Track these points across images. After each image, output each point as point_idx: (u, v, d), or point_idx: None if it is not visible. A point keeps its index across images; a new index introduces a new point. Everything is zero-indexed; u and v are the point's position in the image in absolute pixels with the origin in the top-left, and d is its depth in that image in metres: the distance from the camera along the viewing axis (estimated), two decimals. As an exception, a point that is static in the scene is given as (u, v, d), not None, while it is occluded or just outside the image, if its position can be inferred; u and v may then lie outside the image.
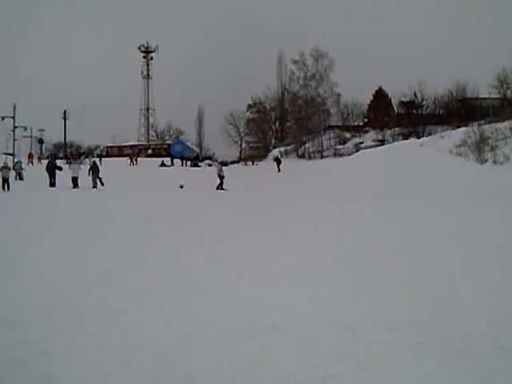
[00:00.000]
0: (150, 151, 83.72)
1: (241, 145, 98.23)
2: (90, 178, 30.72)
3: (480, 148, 42.82)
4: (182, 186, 32.71)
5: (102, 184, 30.54)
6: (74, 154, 65.93)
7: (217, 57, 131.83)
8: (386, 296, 7.73)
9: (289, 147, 76.47)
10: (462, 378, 4.93)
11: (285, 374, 5.02)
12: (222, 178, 32.36)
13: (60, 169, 32.04)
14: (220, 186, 32.03)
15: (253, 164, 71.68)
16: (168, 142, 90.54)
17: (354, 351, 5.56)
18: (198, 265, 10.18)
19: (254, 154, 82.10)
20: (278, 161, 54.74)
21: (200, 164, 67.06)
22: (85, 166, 34.67)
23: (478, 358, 5.32)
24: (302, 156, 72.00)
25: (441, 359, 5.31)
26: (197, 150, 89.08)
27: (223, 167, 34.80)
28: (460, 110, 64.28)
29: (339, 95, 79.57)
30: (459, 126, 52.59)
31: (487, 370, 5.08)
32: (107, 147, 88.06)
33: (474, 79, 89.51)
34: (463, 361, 5.26)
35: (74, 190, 29.16)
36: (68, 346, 5.73)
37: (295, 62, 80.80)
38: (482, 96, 66.59)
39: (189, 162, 65.58)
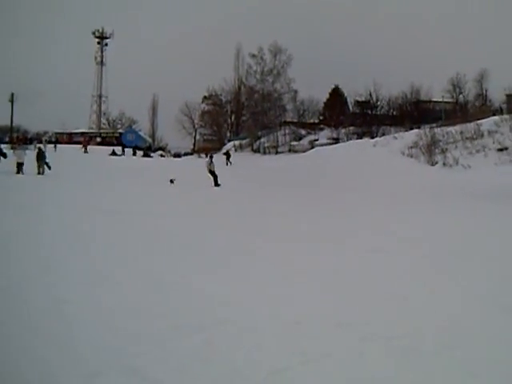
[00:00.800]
0: (98, 139, 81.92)
1: (195, 137, 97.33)
2: (37, 164, 29.55)
3: (431, 150, 43.38)
4: (172, 181, 28.81)
5: (49, 168, 29.43)
6: (20, 138, 63.84)
7: (174, 46, 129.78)
8: (334, 293, 7.62)
9: (244, 141, 75.87)
10: (403, 374, 4.95)
11: (231, 369, 4.96)
12: (214, 174, 29.31)
13: (4, 155, 30.71)
14: (215, 183, 28.95)
15: (206, 156, 70.38)
16: (120, 130, 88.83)
17: (300, 346, 5.50)
18: (138, 253, 9.94)
19: (208, 147, 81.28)
20: (227, 155, 54.81)
21: (152, 154, 65.73)
22: (31, 152, 33.47)
23: (419, 356, 5.35)
24: (257, 151, 71.59)
25: (384, 355, 5.34)
26: (149, 140, 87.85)
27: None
28: (413, 113, 65.21)
29: (296, 91, 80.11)
30: (412, 128, 53.27)
31: (428, 367, 5.11)
32: (56, 134, 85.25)
33: (428, 83, 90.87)
34: (404, 358, 5.30)
35: (18, 175, 28.03)
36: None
37: (253, 56, 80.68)
38: (435, 99, 67.66)
39: (140, 152, 64.08)
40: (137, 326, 5.90)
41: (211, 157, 31.40)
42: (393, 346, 5.58)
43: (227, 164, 52.17)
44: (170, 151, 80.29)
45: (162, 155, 68.67)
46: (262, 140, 72.76)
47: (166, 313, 6.39)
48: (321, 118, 78.71)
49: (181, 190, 25.70)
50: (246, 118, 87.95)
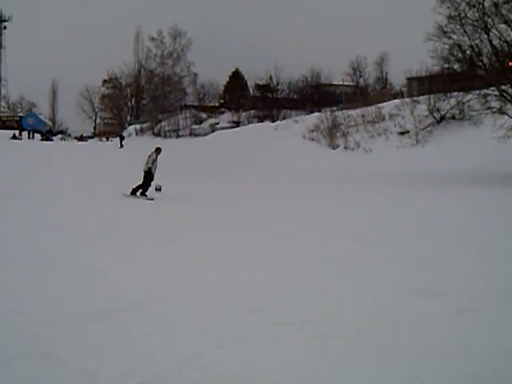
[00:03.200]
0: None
1: (95, 120, 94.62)
2: None
3: (332, 134, 42.66)
4: (159, 189, 18.67)
5: None
6: None
7: (73, 30, 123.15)
8: (245, 278, 7.60)
9: (144, 125, 72.63)
10: (317, 357, 4.88)
11: (148, 354, 4.83)
12: (149, 175, 17.71)
13: None
14: (142, 190, 17.48)
15: (107, 140, 68.75)
16: (20, 114, 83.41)
17: (215, 332, 5.44)
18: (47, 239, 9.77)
19: (109, 130, 78.35)
20: (121, 137, 55.80)
21: (53, 138, 62.46)
22: None
23: (332, 340, 5.27)
24: (158, 134, 68.45)
25: (298, 339, 5.30)
26: (50, 123, 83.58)
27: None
28: (314, 96, 64.38)
29: (196, 75, 78.94)
30: (313, 112, 52.48)
31: (341, 350, 5.05)
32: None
33: (329, 66, 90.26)
34: (318, 341, 5.23)
35: None
36: None
37: (153, 39, 79.31)
38: (335, 83, 67.11)
39: (37, 135, 61.12)
40: (49, 312, 5.82)
41: (157, 150, 18.28)
42: (306, 330, 5.53)
43: (120, 146, 52.45)
44: (70, 135, 76.84)
45: (62, 138, 65.16)
46: (163, 124, 69.77)
47: (79, 298, 6.35)
48: (221, 101, 76.76)
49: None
50: (146, 101, 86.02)
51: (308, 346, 5.11)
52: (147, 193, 17.34)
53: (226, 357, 4.85)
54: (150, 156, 17.88)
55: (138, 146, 50.57)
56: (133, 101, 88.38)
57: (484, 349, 5.03)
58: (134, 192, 17.14)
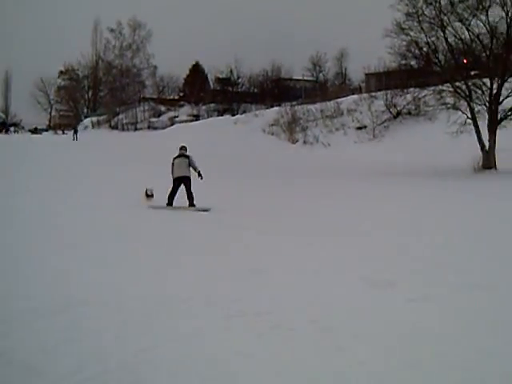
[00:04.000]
0: None
1: (50, 113, 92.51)
2: None
3: (292, 128, 42.82)
4: (149, 195, 15.30)
5: None
6: None
7: (29, 20, 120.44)
8: (198, 270, 7.64)
9: (102, 117, 71.71)
10: (272, 348, 4.91)
11: (99, 347, 4.85)
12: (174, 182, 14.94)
13: None
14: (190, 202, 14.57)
15: (63, 133, 68.21)
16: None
17: (167, 325, 5.45)
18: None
19: (65, 123, 77.07)
20: (75, 130, 55.24)
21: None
22: None
23: (286, 330, 5.33)
24: (115, 127, 67.81)
25: (252, 331, 5.31)
26: (3, 115, 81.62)
27: None
28: (274, 90, 64.44)
29: (155, 67, 78.01)
30: (272, 106, 52.52)
31: (296, 341, 5.08)
32: None
33: (289, 61, 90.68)
34: (273, 332, 5.27)
35: None
36: None
37: (112, 30, 78.10)
38: (295, 77, 67.42)
39: None
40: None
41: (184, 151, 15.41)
42: (260, 322, 5.54)
43: (74, 139, 52.26)
44: (23, 127, 75.30)
45: (15, 131, 64.00)
46: (121, 116, 69.05)
47: (28, 293, 6.30)
48: (181, 94, 76.18)
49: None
50: (103, 93, 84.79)
51: (262, 338, 5.13)
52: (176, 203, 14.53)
53: (176, 351, 4.82)
54: (187, 165, 14.82)
55: (93, 139, 50.47)
56: (90, 93, 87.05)
57: (431, 336, 5.15)
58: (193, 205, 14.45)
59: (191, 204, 14.22)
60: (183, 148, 15.28)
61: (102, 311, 5.80)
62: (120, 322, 5.50)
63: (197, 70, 74.91)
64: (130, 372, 4.41)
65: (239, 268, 7.76)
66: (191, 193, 14.30)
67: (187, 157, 14.88)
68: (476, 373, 4.41)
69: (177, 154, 15.04)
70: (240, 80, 68.31)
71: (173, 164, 14.79)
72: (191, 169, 14.70)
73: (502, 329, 5.38)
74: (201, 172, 14.70)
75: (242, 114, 55.43)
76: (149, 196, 15.07)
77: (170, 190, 14.47)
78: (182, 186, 14.36)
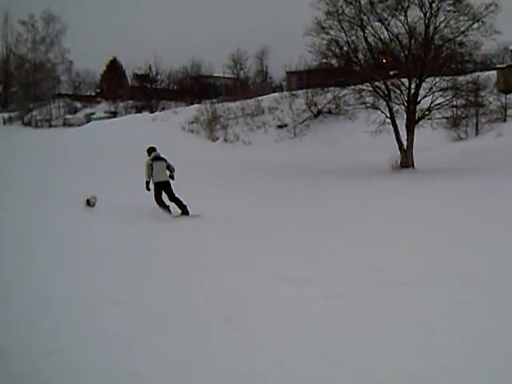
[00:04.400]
0: None
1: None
2: None
3: (212, 126, 42.24)
4: (91, 203, 13.84)
5: None
6: None
7: None
8: (108, 269, 7.61)
9: (13, 114, 68.54)
10: (186, 349, 4.88)
11: (5, 350, 4.68)
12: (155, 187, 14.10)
13: None
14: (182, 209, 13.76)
15: None
16: None
17: (77, 325, 5.34)
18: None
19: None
20: None
21: None
22: None
23: (204, 329, 5.36)
24: (29, 124, 64.92)
25: (167, 331, 5.31)
26: None
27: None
28: (194, 87, 63.66)
29: (71, 62, 74.68)
30: (192, 103, 51.77)
31: (207, 339, 5.10)
32: None
33: (210, 57, 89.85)
34: (189, 332, 5.29)
35: None
36: None
37: (23, 23, 74.04)
38: (216, 74, 66.80)
39: None
40: None
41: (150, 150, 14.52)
42: (176, 322, 5.54)
43: None
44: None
45: None
46: (34, 113, 66.26)
47: None
48: (98, 90, 74.01)
49: None
50: (15, 89, 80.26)
51: (177, 338, 5.16)
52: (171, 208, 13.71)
53: (84, 352, 4.75)
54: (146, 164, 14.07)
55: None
56: (0, 88, 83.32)
57: (344, 333, 5.21)
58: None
59: (185, 212, 13.39)
60: (154, 149, 14.41)
61: (8, 311, 5.77)
62: (28, 323, 5.43)
63: (114, 66, 72.75)
64: (36, 375, 4.27)
65: (145, 268, 7.79)
66: (178, 199, 13.54)
67: (165, 160, 14.21)
68: (388, 368, 4.47)
69: (152, 156, 14.04)
70: (159, 77, 67.17)
71: (151, 166, 13.80)
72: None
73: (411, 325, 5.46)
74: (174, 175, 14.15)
75: (161, 111, 54.29)
76: (90, 206, 13.61)
77: (153, 196, 13.59)
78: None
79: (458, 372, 4.44)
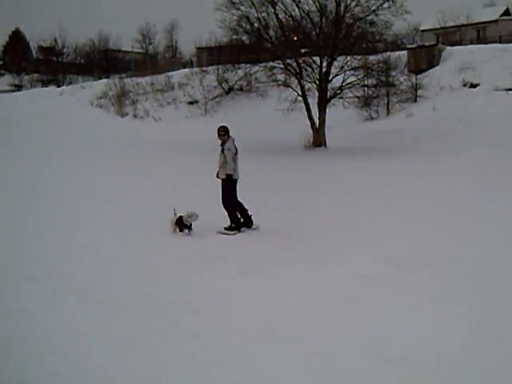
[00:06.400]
0: None
1: None
2: None
3: (121, 101, 40.66)
4: (188, 225, 8.92)
5: None
6: None
7: None
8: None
9: None
10: (102, 324, 4.97)
11: None
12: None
13: None
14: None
15: None
16: None
17: None
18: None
19: None
20: None
21: None
22: None
23: (116, 304, 5.46)
24: None
25: (80, 306, 5.40)
26: None
27: None
28: (102, 62, 61.01)
29: None
30: (101, 78, 49.54)
31: (123, 314, 5.22)
32: None
33: (118, 31, 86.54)
34: (103, 307, 5.40)
35: None
36: None
37: None
38: (124, 49, 64.32)
39: None
40: None
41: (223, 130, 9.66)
42: (86, 297, 5.65)
43: None
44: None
45: None
46: None
47: None
48: (0, 63, 69.50)
49: None
50: None
51: (90, 313, 5.25)
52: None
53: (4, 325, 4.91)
54: (228, 149, 9.35)
55: None
56: None
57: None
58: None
59: (249, 223, 9.33)
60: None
61: None
62: None
63: (17, 38, 68.79)
64: None
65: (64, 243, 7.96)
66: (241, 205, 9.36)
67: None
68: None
69: (234, 142, 9.53)
70: (65, 50, 63.89)
71: (236, 156, 9.44)
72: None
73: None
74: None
75: (68, 85, 51.66)
76: (184, 227, 8.82)
77: (224, 198, 9.17)
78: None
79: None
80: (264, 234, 8.98)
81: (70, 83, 53.20)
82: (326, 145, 24.25)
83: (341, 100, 25.46)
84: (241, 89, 37.22)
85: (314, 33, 25.66)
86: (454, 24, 49.60)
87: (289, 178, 15.98)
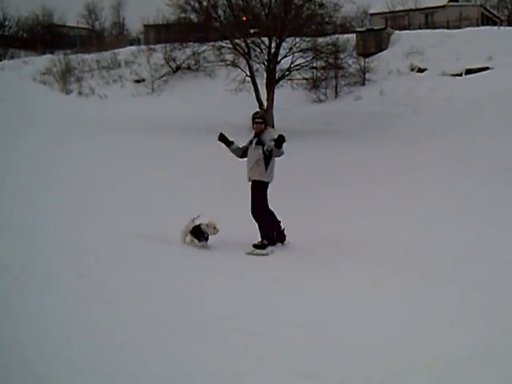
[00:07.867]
0: None
1: None
2: None
3: (65, 78, 39.18)
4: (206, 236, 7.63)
5: None
6: None
7: None
8: None
9: None
10: (41, 304, 4.85)
11: None
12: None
13: None
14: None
15: None
16: None
17: None
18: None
19: None
20: None
21: None
22: None
23: (57, 284, 5.39)
24: None
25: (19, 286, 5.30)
26: None
27: None
28: (46, 37, 58.78)
29: None
30: (45, 53, 47.63)
31: (63, 294, 5.14)
32: None
33: (62, 5, 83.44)
34: (44, 286, 5.27)
35: None
36: None
37: None
38: (70, 24, 62.16)
39: None
40: None
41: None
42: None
43: None
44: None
45: None
46: None
47: None
48: None
49: None
50: None
51: (31, 292, 5.14)
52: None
53: None
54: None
55: None
56: None
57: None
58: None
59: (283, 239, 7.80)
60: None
61: None
62: None
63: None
64: None
65: None
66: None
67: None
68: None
69: (266, 131, 7.90)
70: (7, 23, 61.21)
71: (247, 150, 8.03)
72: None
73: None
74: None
75: (9, 59, 49.51)
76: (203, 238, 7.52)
77: (255, 204, 7.61)
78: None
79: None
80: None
81: (12, 57, 51.02)
82: (273, 126, 23.94)
83: (289, 82, 25.20)
84: (188, 68, 36.44)
85: (263, 13, 25.20)
86: (402, 8, 49.77)
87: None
